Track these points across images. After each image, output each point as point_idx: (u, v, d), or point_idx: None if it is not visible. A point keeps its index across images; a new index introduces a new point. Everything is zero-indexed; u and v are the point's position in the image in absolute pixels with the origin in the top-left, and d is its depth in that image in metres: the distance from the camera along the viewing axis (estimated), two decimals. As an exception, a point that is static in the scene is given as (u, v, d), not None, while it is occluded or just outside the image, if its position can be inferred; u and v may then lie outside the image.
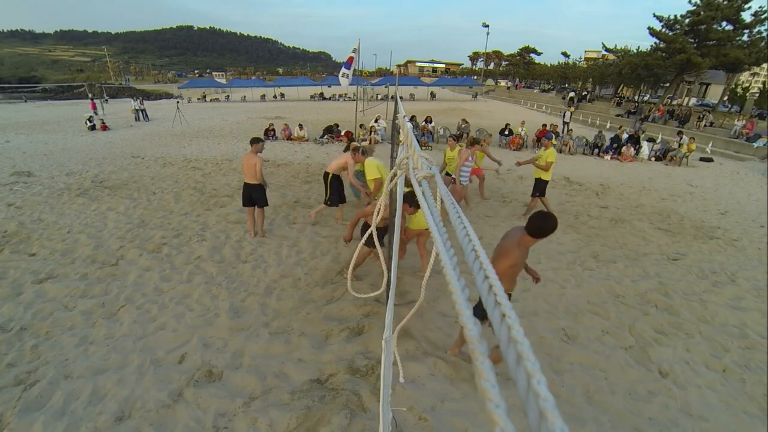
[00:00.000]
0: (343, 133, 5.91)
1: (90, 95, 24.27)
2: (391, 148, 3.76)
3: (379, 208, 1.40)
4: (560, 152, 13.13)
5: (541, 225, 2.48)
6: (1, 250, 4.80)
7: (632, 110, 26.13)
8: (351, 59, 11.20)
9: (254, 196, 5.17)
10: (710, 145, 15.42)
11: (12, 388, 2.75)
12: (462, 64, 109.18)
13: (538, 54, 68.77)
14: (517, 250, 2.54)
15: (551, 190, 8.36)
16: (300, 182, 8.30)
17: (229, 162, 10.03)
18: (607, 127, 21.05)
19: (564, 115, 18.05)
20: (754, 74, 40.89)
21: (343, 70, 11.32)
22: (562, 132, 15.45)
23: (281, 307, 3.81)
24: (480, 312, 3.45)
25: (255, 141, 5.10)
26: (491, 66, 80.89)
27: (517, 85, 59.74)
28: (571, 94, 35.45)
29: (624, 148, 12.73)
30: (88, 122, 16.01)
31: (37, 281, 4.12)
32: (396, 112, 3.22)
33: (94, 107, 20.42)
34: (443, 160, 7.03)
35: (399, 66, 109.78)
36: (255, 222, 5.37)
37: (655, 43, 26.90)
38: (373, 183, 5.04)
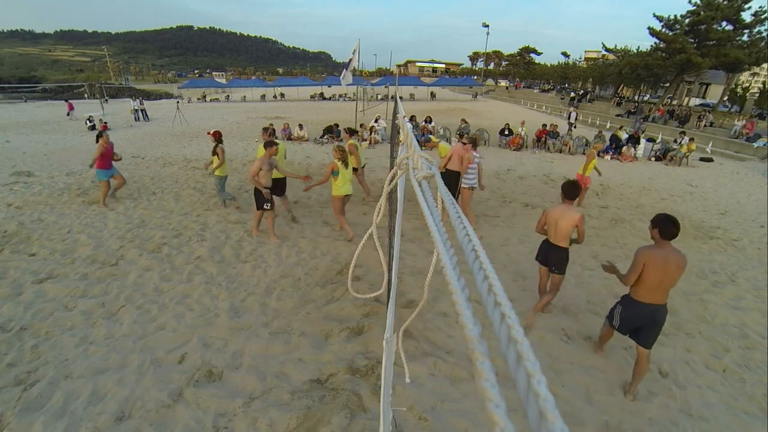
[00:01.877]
0: (212, 132, 5.85)
1: (86, 95, 24.10)
2: (391, 148, 3.76)
3: (379, 208, 1.40)
4: (560, 152, 13.14)
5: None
6: (1, 250, 4.80)
7: (632, 110, 26.14)
8: (351, 60, 11.53)
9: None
10: (710, 145, 15.42)
11: (12, 388, 2.75)
12: (462, 64, 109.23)
13: (538, 54, 68.78)
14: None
15: (552, 191, 8.36)
16: (300, 182, 8.29)
17: (229, 162, 10.00)
18: (607, 127, 21.05)
19: (570, 116, 17.98)
20: (754, 74, 40.90)
21: (344, 71, 11.73)
22: (567, 132, 15.41)
23: (281, 307, 3.81)
24: None
25: (268, 145, 5.12)
26: (491, 66, 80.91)
27: (515, 84, 59.75)
28: (572, 94, 35.49)
29: (624, 148, 12.73)
30: (88, 122, 16.02)
31: (37, 281, 4.12)
32: (396, 112, 3.22)
33: (71, 107, 20.19)
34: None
35: (399, 66, 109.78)
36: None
37: (655, 43, 26.92)
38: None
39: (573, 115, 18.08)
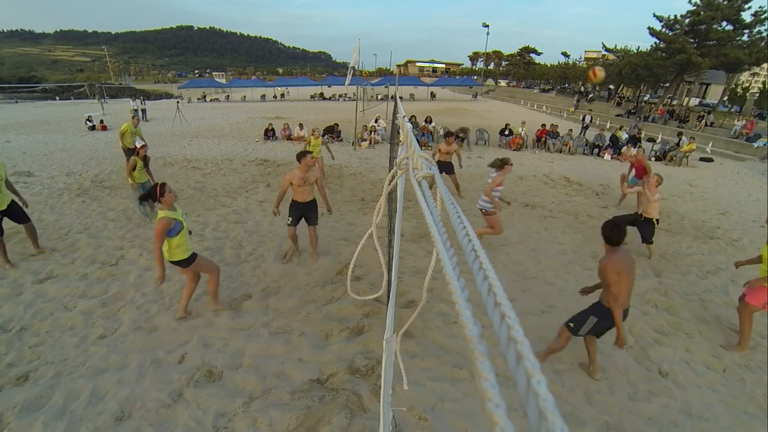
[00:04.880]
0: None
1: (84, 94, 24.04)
2: (391, 148, 3.77)
3: (379, 208, 1.40)
4: (560, 152, 13.13)
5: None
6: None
7: (632, 110, 26.13)
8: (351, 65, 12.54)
9: None
10: (710, 145, 15.41)
11: (12, 388, 2.75)
12: (462, 64, 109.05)
13: (538, 54, 68.76)
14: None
15: (551, 190, 8.37)
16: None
17: (229, 162, 10.02)
18: (607, 126, 21.04)
19: (584, 119, 17.98)
20: (754, 74, 40.80)
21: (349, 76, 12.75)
22: (580, 135, 15.39)
23: (281, 307, 3.81)
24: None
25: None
26: (491, 66, 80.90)
27: (512, 85, 59.89)
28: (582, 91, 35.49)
29: (624, 149, 12.73)
30: (87, 122, 16.00)
31: (37, 281, 4.12)
32: (396, 112, 3.23)
33: None
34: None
35: (399, 66, 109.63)
36: None
37: (655, 43, 26.90)
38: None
39: (588, 117, 18.07)
